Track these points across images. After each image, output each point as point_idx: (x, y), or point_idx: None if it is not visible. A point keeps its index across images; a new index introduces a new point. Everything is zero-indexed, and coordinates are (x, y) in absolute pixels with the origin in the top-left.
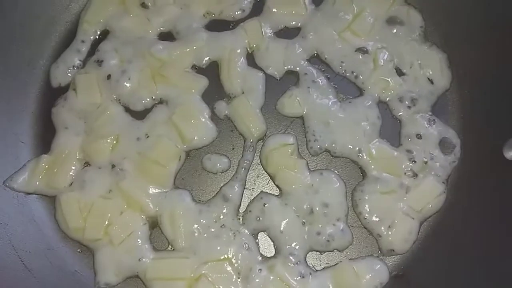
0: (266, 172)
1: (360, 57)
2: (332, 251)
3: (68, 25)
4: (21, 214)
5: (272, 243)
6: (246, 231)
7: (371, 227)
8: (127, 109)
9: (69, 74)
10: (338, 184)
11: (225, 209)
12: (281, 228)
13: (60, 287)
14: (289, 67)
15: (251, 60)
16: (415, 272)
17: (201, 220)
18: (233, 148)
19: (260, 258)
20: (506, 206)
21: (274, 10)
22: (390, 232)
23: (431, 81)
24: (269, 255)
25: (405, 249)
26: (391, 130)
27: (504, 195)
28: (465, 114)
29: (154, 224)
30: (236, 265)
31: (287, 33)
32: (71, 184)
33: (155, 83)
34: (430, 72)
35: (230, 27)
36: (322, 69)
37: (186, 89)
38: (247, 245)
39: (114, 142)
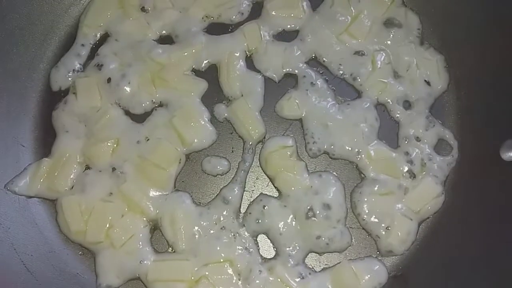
0: (266, 174)
1: (358, 60)
2: (332, 252)
3: (67, 29)
4: (23, 217)
5: (272, 244)
6: (246, 233)
7: (369, 228)
8: (127, 112)
9: (69, 78)
10: (337, 186)
11: (225, 211)
12: (281, 230)
13: None
14: (287, 69)
15: (250, 63)
16: (414, 272)
17: (202, 222)
18: (232, 151)
19: (260, 260)
20: (504, 207)
21: (273, 13)
22: (388, 233)
23: (429, 83)
24: (269, 257)
25: (404, 250)
26: (389, 131)
27: (501, 196)
28: (462, 115)
29: (155, 227)
30: (236, 266)
31: (285, 36)
32: (72, 187)
33: (155, 86)
34: (428, 74)
35: (229, 30)
36: (321, 72)
37: (185, 92)
38: (247, 247)
39: (115, 145)
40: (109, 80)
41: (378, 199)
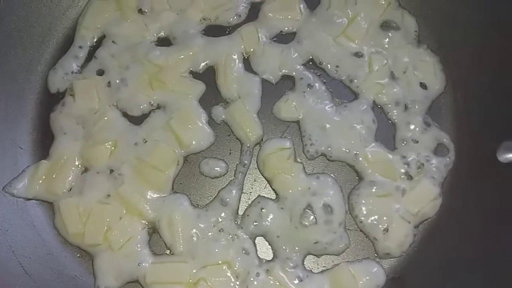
0: (263, 176)
1: (355, 62)
2: (330, 254)
3: (65, 31)
4: (21, 219)
5: (270, 247)
6: (244, 235)
7: (367, 231)
8: (125, 114)
9: (67, 80)
10: (335, 188)
11: (223, 213)
12: (278, 233)
13: None
14: (285, 71)
15: (247, 65)
16: (411, 274)
17: (199, 225)
18: (230, 153)
19: (258, 262)
20: (501, 209)
21: (270, 15)
22: (386, 236)
23: (425, 85)
24: (267, 259)
25: (401, 252)
26: (386, 133)
27: (498, 198)
28: (459, 117)
29: (153, 229)
30: (234, 268)
31: (282, 38)
32: (70, 190)
33: (153, 88)
34: (424, 76)
35: (227, 32)
36: (318, 74)
37: (183, 94)
38: (245, 249)
39: (112, 147)
40: (107, 82)
41: (375, 201)
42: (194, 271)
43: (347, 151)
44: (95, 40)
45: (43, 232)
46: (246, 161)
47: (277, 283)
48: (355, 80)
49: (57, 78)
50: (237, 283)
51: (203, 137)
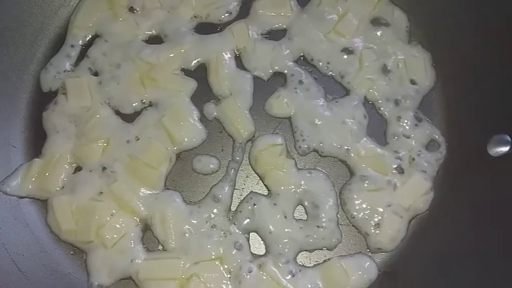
0: (256, 173)
1: (346, 58)
2: (322, 249)
3: (57, 30)
4: (14, 217)
5: (262, 242)
6: (237, 230)
7: (359, 225)
8: (117, 112)
9: (59, 79)
10: (327, 183)
11: (215, 209)
12: (271, 228)
13: None
14: (276, 68)
15: (238, 62)
16: (403, 268)
17: (192, 221)
18: (222, 149)
19: (251, 257)
20: (492, 202)
21: (261, 12)
22: (378, 231)
23: (416, 81)
24: (259, 254)
25: (393, 247)
26: (378, 129)
27: (489, 192)
28: (450, 112)
29: (146, 226)
30: (227, 264)
31: (274, 35)
32: (62, 187)
33: (144, 86)
34: (415, 72)
35: (218, 29)
36: (309, 70)
37: (175, 91)
38: (238, 245)
39: (105, 145)
40: (98, 80)
41: (367, 196)
42: (187, 266)
43: (339, 146)
44: (87, 39)
45: (36, 230)
46: (238, 158)
47: (270, 278)
48: (346, 76)
49: (49, 77)
50: (230, 278)
51: (195, 134)
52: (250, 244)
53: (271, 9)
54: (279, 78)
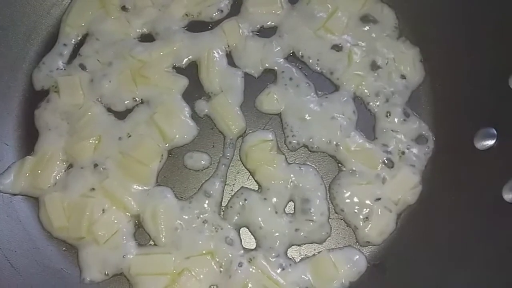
0: (246, 168)
1: (336, 54)
2: (311, 243)
3: (50, 29)
4: (7, 214)
5: (253, 237)
6: (228, 226)
7: (348, 219)
8: (109, 110)
9: (51, 77)
10: (316, 178)
11: (206, 205)
12: (261, 223)
13: (45, 285)
14: (266, 65)
15: (229, 59)
16: (392, 261)
17: (183, 216)
18: (213, 146)
19: (242, 252)
20: (479, 195)
21: (252, 9)
22: (366, 224)
23: (405, 76)
24: (250, 249)
25: (382, 240)
26: (367, 124)
27: (476, 185)
28: (437, 107)
29: (139, 222)
30: (218, 259)
31: (264, 32)
32: (55, 184)
33: (136, 83)
34: (404, 67)
35: (209, 27)
36: (299, 67)
37: (166, 89)
38: (229, 239)
39: (97, 142)
40: (90, 78)
41: (356, 190)
42: (178, 261)
43: (328, 141)
44: (79, 37)
45: (28, 227)
46: (229, 154)
47: (260, 272)
48: (336, 73)
49: (41, 75)
50: (221, 273)
51: (186, 130)
52: (242, 238)
53: (261, 7)
54: (269, 75)
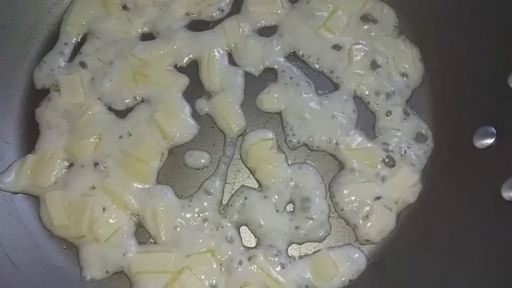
0: (246, 167)
1: (336, 53)
2: (311, 241)
3: (51, 28)
4: (8, 213)
5: (253, 235)
6: (228, 224)
7: (347, 217)
8: (110, 108)
9: (52, 76)
10: (316, 177)
11: (207, 203)
12: (261, 222)
13: (46, 283)
14: (267, 64)
15: (230, 58)
16: (392, 259)
17: (184, 215)
18: (214, 144)
19: (242, 250)
20: (479, 193)
21: (252, 9)
22: (366, 222)
23: (405, 75)
24: (250, 247)
25: (381, 238)
26: (367, 123)
27: (475, 183)
28: (437, 106)
29: (139, 221)
30: (218, 257)
31: (265, 31)
32: (55, 183)
33: (137, 82)
34: (404, 66)
35: (210, 27)
36: (300, 66)
37: (167, 87)
38: (229, 238)
39: (97, 140)
40: (91, 77)
41: (356, 189)
42: (179, 260)
43: (328, 140)
44: (80, 36)
45: (29, 225)
46: (229, 152)
47: (260, 270)
48: (336, 71)
49: (42, 74)
50: (221, 271)
51: (187, 129)
52: (242, 237)
53: (262, 6)
54: (270, 74)
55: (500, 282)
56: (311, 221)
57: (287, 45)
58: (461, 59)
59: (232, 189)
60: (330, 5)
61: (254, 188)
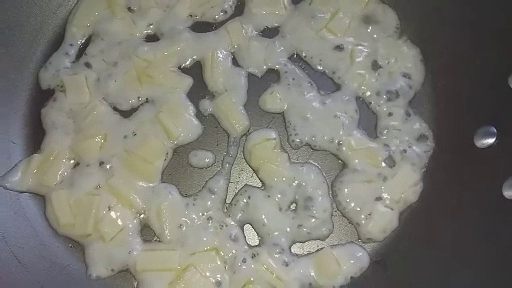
0: (250, 166)
1: (338, 54)
2: (314, 240)
3: (56, 29)
4: (14, 212)
5: (256, 233)
6: (232, 222)
7: (350, 216)
8: (115, 108)
9: (58, 77)
10: (319, 176)
11: (211, 202)
12: (265, 220)
13: (52, 281)
14: (270, 65)
15: (233, 59)
16: (394, 257)
17: (188, 213)
18: (217, 144)
19: (246, 248)
20: (480, 193)
21: (255, 10)
22: (368, 221)
23: (406, 76)
24: (254, 245)
25: (383, 237)
26: (369, 123)
27: (477, 183)
28: (439, 106)
29: (144, 220)
30: (222, 255)
31: (267, 32)
32: (61, 182)
33: (141, 83)
34: (405, 67)
35: (213, 28)
36: (302, 67)
37: (171, 88)
38: (233, 236)
39: (102, 140)
40: (96, 78)
41: (358, 188)
42: (183, 258)
43: (331, 140)
44: (85, 37)
45: (35, 224)
46: (233, 152)
47: (264, 268)
48: (338, 72)
49: (48, 75)
50: (226, 268)
51: (191, 129)
52: (246, 235)
53: (265, 7)
54: (273, 75)
55: (502, 280)
56: (314, 220)
57: (290, 46)
58: (462, 59)
59: (236, 188)
60: (331, 7)
61: (258, 187)
